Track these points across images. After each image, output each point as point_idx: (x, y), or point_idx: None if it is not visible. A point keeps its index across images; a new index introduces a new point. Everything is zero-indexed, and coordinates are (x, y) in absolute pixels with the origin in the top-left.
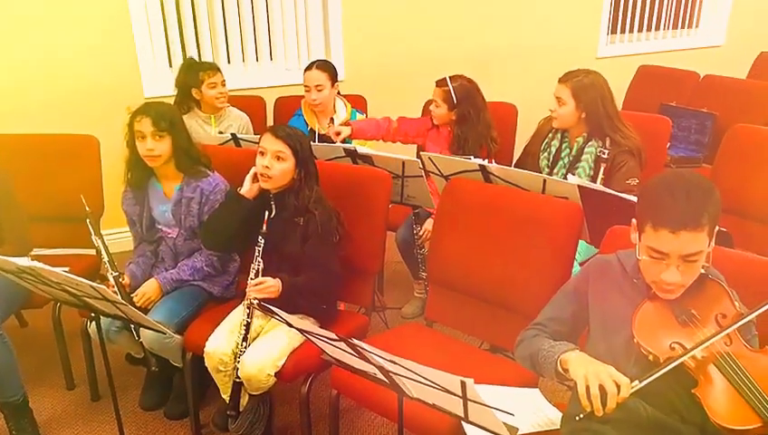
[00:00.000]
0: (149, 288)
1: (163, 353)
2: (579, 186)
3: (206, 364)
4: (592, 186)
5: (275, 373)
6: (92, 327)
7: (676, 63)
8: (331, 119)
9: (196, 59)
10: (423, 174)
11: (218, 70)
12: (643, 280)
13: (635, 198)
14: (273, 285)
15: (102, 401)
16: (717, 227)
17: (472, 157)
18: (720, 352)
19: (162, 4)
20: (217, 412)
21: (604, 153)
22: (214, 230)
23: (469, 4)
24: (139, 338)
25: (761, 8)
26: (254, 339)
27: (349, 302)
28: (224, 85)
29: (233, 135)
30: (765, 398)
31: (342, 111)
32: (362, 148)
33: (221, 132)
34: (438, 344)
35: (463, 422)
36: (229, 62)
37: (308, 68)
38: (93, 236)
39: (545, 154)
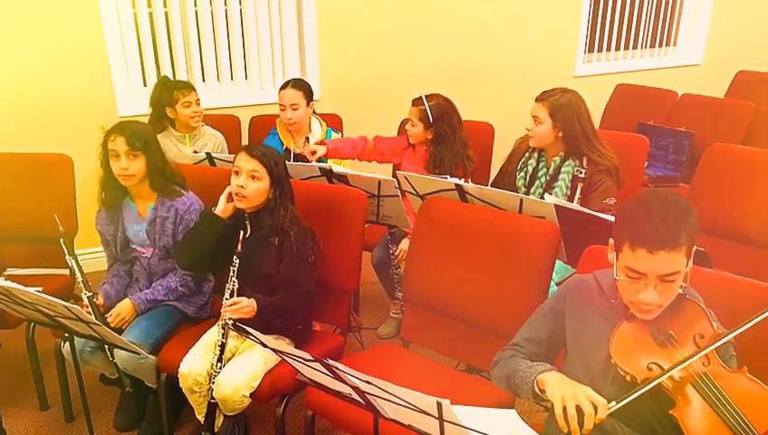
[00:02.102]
0: (123, 308)
1: (137, 374)
2: (555, 205)
3: (181, 385)
4: (569, 205)
5: (250, 394)
6: (66, 347)
7: (653, 82)
8: (307, 138)
9: (171, 78)
10: (399, 193)
11: (193, 89)
12: (620, 300)
13: (612, 218)
14: (247, 305)
15: (76, 422)
16: (695, 247)
17: (448, 176)
18: (698, 373)
19: (136, 23)
20: (192, 433)
21: (581, 172)
22: (188, 250)
23: (445, 23)
24: (114, 359)
25: (738, 27)
26: (229, 359)
27: (324, 322)
28: (198, 104)
29: (207, 154)
30: (743, 418)
31: (318, 130)
32: (338, 167)
33: (196, 151)
34: (414, 365)
35: None
36: (204, 80)
37: (283, 87)
38: (67, 256)
39: (522, 173)
